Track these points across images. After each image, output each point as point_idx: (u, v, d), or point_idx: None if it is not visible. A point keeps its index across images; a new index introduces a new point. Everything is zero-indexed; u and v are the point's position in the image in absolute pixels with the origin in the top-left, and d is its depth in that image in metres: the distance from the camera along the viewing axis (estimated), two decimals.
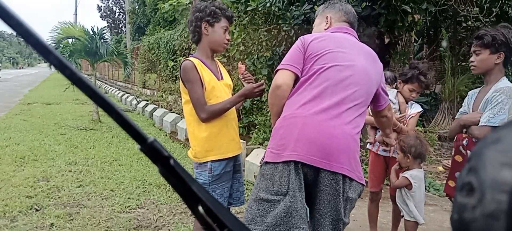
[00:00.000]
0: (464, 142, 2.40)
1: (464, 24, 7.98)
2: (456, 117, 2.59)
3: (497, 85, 2.25)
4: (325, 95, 1.74)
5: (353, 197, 1.76)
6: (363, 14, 4.66)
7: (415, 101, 3.06)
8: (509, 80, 2.31)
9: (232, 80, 2.53)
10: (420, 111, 2.99)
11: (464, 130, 2.43)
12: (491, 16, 5.45)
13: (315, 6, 4.71)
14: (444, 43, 7.88)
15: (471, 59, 2.33)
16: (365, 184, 1.84)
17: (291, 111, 1.78)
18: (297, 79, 1.85)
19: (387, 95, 2.02)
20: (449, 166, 2.60)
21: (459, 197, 0.38)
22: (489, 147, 0.38)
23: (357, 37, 1.99)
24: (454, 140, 2.52)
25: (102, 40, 9.17)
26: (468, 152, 2.38)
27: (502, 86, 2.22)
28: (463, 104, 2.54)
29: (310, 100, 1.75)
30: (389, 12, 4.76)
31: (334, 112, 1.72)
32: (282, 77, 1.83)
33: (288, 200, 1.70)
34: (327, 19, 2.04)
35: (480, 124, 2.25)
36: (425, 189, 4.53)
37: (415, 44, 9.85)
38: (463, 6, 5.93)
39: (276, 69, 1.89)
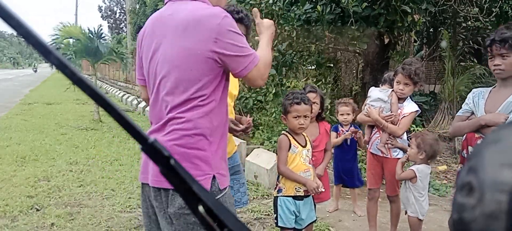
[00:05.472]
0: (479, 142, 2.29)
1: (463, 24, 7.99)
2: (458, 114, 2.44)
3: None
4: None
5: (172, 211, 1.40)
6: (363, 14, 4.66)
7: (414, 101, 3.01)
8: None
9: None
10: (416, 111, 2.92)
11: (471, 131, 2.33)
12: (491, 16, 5.45)
13: (318, 6, 4.71)
14: (444, 43, 7.88)
15: (496, 62, 2.17)
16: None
17: None
18: None
19: (242, 56, 1.41)
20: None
21: (459, 197, 0.38)
22: (488, 147, 0.38)
23: None
24: (464, 139, 2.36)
25: (100, 40, 9.19)
26: None
27: None
28: (466, 102, 2.39)
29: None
30: (389, 12, 4.76)
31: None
32: (141, 93, 1.72)
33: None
34: None
35: None
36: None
37: (415, 44, 9.84)
38: (462, 6, 5.93)
39: None
